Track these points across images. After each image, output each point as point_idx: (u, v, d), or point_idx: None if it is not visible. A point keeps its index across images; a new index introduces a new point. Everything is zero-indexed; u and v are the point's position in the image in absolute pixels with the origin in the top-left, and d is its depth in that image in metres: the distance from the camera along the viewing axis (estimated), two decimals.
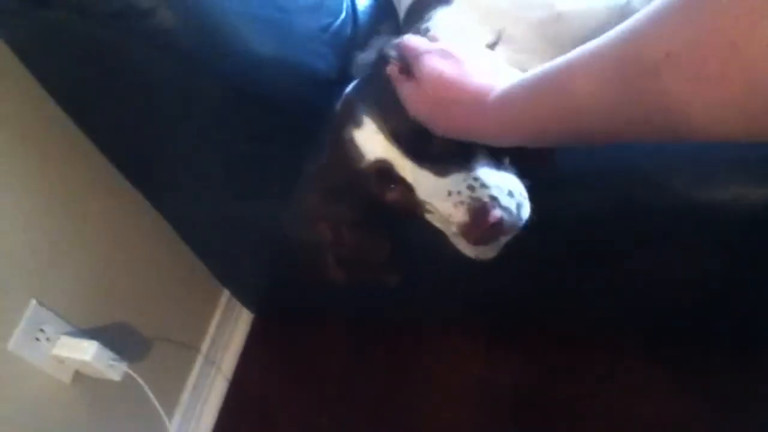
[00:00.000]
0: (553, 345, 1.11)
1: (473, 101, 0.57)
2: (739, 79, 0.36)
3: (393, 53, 0.66)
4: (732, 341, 1.00)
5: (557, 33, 0.76)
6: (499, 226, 0.58)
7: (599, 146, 0.71)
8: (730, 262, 0.80)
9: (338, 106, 0.73)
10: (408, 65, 0.64)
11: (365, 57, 0.74)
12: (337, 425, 1.21)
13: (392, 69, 0.66)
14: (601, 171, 0.75)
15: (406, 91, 0.64)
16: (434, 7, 0.81)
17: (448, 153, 0.63)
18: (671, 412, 1.00)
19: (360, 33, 1.08)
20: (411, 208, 0.66)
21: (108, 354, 1.02)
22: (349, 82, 0.74)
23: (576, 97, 0.47)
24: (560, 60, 0.49)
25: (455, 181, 0.61)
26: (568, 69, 0.48)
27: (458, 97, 0.58)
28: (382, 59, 0.68)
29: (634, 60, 0.41)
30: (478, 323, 1.20)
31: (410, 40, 0.66)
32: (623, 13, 0.70)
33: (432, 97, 0.60)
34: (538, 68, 0.51)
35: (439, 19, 0.80)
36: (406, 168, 0.64)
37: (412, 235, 0.71)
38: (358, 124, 0.66)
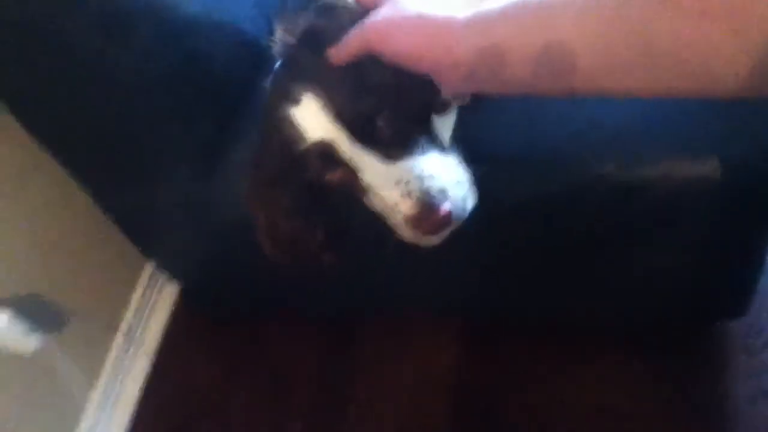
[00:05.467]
0: (524, 341, 1.11)
1: (444, 25, 0.54)
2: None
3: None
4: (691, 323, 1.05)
5: None
6: (447, 219, 0.59)
7: (534, 134, 0.73)
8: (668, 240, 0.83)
9: (270, 86, 0.69)
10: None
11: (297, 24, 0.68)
12: (271, 409, 1.20)
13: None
14: (537, 158, 0.76)
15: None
16: None
17: (396, 135, 0.61)
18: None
19: None
20: (352, 191, 0.64)
21: (21, 325, 0.98)
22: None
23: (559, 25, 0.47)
24: None
25: (404, 169, 0.59)
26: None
27: (423, 24, 0.55)
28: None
29: None
30: (443, 320, 1.20)
31: None
32: None
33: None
34: None
35: None
36: (352, 151, 0.60)
37: (357, 222, 0.68)
38: (296, 101, 0.61)
